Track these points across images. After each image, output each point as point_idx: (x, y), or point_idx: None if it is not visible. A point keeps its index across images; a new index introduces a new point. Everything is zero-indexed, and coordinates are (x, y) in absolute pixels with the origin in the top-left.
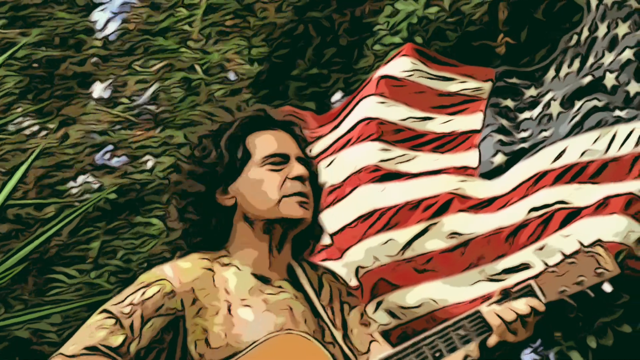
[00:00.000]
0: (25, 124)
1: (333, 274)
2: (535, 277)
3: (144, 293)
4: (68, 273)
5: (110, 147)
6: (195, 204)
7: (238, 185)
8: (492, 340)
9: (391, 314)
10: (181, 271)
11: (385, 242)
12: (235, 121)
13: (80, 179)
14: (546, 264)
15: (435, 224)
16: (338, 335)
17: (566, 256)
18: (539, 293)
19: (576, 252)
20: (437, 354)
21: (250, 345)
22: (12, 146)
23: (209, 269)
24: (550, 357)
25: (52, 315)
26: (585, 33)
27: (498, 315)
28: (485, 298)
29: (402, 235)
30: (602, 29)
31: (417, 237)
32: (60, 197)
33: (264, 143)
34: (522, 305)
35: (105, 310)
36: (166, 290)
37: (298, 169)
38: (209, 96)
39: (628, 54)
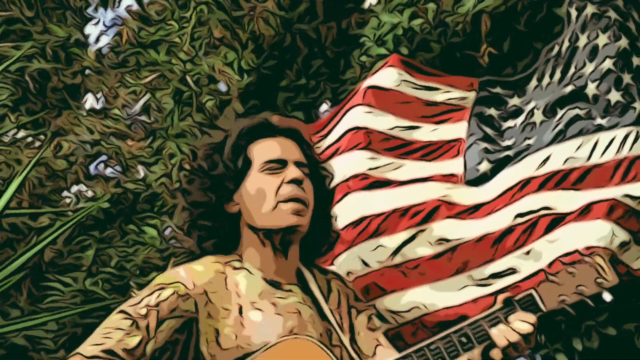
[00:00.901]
0: (19, 135)
1: (341, 279)
2: (537, 286)
3: (159, 295)
4: (63, 281)
5: (104, 157)
6: (204, 213)
7: (240, 193)
8: (498, 356)
9: (381, 318)
10: (195, 274)
11: (375, 249)
12: (238, 130)
13: (74, 188)
14: (546, 274)
15: (423, 230)
16: (345, 339)
17: (566, 265)
18: (539, 302)
19: (576, 262)
20: None
21: (260, 348)
22: (6, 157)
23: (221, 272)
24: None
25: (48, 323)
26: (566, 43)
27: (505, 337)
28: (473, 301)
29: (391, 241)
30: (583, 40)
31: (405, 243)
32: (54, 207)
33: (263, 150)
34: (524, 325)
35: (122, 311)
36: (180, 292)
37: (293, 173)
38: (199, 107)
39: (608, 63)
